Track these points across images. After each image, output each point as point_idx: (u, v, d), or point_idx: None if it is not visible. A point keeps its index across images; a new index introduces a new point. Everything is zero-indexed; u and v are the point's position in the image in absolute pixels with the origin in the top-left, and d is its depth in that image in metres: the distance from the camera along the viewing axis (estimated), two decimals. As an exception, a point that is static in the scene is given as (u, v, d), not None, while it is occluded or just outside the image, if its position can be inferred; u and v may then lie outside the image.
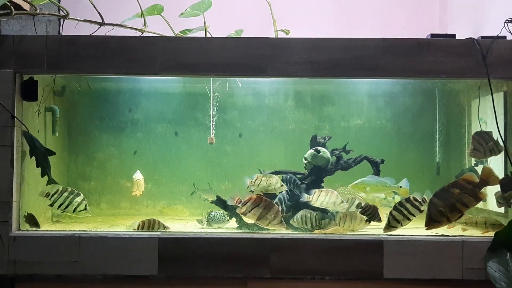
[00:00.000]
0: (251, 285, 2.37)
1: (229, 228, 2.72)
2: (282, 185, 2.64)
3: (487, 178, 2.42)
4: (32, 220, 2.51)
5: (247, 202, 2.47)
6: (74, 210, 2.59)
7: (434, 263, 2.32)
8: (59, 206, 2.58)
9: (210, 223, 2.73)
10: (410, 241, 2.34)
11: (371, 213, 2.58)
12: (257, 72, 2.41)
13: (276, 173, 2.82)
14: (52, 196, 2.58)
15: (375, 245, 2.34)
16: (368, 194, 2.63)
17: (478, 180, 2.41)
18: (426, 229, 2.41)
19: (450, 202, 2.41)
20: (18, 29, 3.12)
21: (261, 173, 2.78)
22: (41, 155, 2.51)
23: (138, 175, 2.86)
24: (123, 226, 2.70)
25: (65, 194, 2.59)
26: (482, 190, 2.41)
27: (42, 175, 2.52)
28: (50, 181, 2.55)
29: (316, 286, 2.37)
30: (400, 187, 2.61)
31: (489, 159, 2.66)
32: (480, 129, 2.66)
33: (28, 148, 2.50)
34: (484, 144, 2.55)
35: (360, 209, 2.60)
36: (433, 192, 2.46)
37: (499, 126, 2.42)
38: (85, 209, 2.62)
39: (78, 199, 2.60)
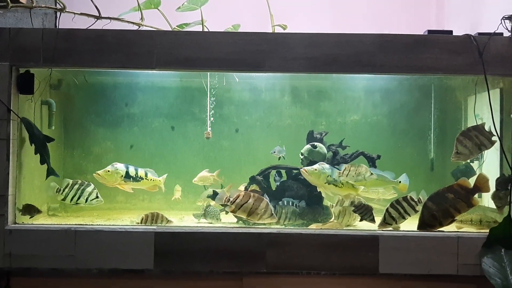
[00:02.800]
0: (247, 280, 2.38)
1: (225, 223, 2.72)
2: (371, 174, 2.61)
3: (481, 185, 2.45)
4: (31, 209, 2.50)
5: (236, 199, 2.48)
6: (86, 201, 2.62)
7: (430, 258, 2.33)
8: (71, 200, 2.60)
9: (205, 216, 2.75)
10: (405, 237, 2.35)
11: (363, 211, 2.59)
12: (255, 67, 2.41)
13: (273, 168, 2.83)
14: (63, 191, 2.59)
15: (371, 240, 2.34)
16: (367, 186, 2.63)
17: (472, 186, 2.45)
18: None
19: (443, 207, 2.43)
20: (14, 22, 3.10)
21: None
22: (40, 142, 2.50)
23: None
24: (119, 220, 2.70)
25: (76, 186, 2.60)
26: (475, 196, 2.44)
27: (42, 162, 2.51)
28: (49, 170, 2.54)
29: (312, 281, 2.37)
30: (400, 182, 2.62)
31: (485, 155, 2.67)
32: (474, 124, 2.65)
33: (27, 139, 2.49)
34: (469, 144, 2.53)
35: (353, 207, 2.61)
36: (428, 192, 2.49)
37: (495, 123, 2.43)
38: (97, 197, 2.64)
39: (89, 189, 2.62)
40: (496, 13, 2.53)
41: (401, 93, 3.08)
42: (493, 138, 2.51)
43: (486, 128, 2.53)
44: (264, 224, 2.51)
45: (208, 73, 2.80)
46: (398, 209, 2.50)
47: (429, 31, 2.48)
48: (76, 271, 2.35)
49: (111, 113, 3.13)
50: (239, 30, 2.78)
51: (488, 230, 2.35)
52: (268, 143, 2.99)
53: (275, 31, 2.74)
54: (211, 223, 2.73)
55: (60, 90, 2.97)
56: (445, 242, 2.34)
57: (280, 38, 2.42)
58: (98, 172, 2.70)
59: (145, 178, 2.79)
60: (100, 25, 2.59)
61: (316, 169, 2.54)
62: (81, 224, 2.46)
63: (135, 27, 2.69)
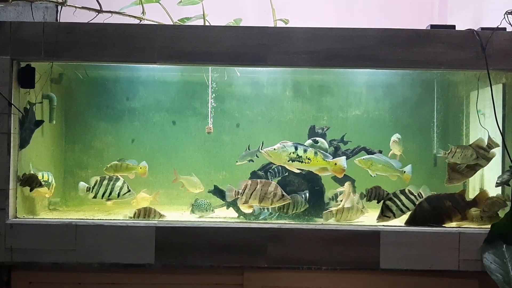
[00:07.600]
0: (247, 274, 2.38)
1: (226, 217, 2.72)
2: (477, 157, 2.59)
3: (479, 200, 2.47)
4: (32, 181, 2.49)
5: (244, 190, 2.48)
6: (118, 195, 2.60)
7: (431, 254, 2.32)
8: (103, 196, 2.59)
9: (193, 211, 2.73)
10: (407, 232, 2.35)
11: (376, 194, 2.58)
12: (256, 61, 2.40)
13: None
14: (93, 188, 2.59)
15: (372, 235, 2.34)
16: (372, 171, 2.63)
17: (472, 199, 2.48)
18: None
19: (437, 212, 2.44)
20: (15, 16, 3.09)
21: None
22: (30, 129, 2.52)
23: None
24: (120, 214, 2.70)
25: (105, 182, 2.59)
26: (471, 210, 2.46)
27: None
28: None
29: (313, 276, 2.37)
30: (404, 172, 2.62)
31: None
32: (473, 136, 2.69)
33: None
34: (460, 168, 2.56)
35: (364, 198, 2.60)
36: (430, 188, 2.49)
37: (497, 118, 2.42)
38: (129, 191, 2.62)
39: (119, 183, 2.61)
40: (499, 8, 2.52)
41: (403, 88, 3.07)
42: (492, 151, 2.54)
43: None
44: (266, 220, 2.50)
45: (210, 67, 2.79)
46: (395, 201, 2.51)
47: (432, 26, 2.47)
48: (77, 265, 2.35)
49: (112, 108, 3.12)
50: (241, 25, 2.77)
51: (489, 226, 2.35)
52: (269, 138, 2.97)
53: (277, 26, 2.73)
54: (201, 216, 2.71)
55: (61, 84, 2.96)
56: (446, 238, 2.33)
57: (282, 32, 2.41)
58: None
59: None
60: (101, 19, 2.58)
61: (275, 149, 2.52)
62: (82, 219, 2.46)
63: (137, 21, 2.68)
